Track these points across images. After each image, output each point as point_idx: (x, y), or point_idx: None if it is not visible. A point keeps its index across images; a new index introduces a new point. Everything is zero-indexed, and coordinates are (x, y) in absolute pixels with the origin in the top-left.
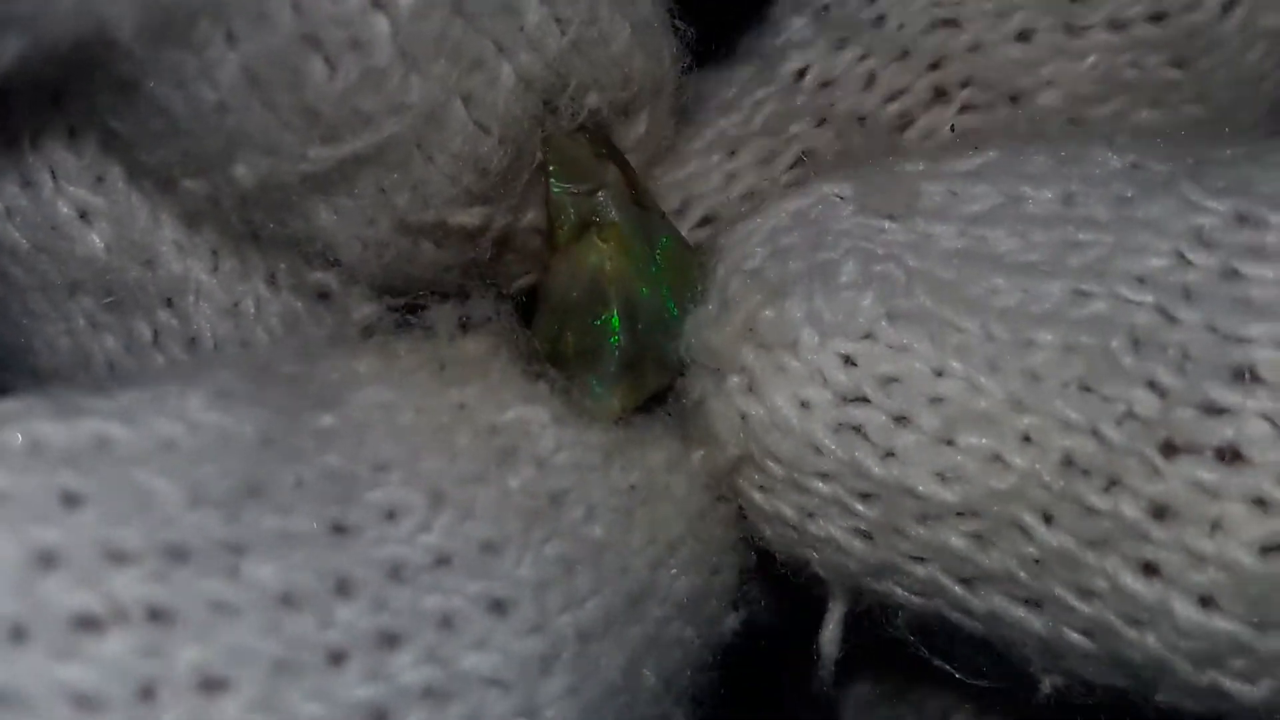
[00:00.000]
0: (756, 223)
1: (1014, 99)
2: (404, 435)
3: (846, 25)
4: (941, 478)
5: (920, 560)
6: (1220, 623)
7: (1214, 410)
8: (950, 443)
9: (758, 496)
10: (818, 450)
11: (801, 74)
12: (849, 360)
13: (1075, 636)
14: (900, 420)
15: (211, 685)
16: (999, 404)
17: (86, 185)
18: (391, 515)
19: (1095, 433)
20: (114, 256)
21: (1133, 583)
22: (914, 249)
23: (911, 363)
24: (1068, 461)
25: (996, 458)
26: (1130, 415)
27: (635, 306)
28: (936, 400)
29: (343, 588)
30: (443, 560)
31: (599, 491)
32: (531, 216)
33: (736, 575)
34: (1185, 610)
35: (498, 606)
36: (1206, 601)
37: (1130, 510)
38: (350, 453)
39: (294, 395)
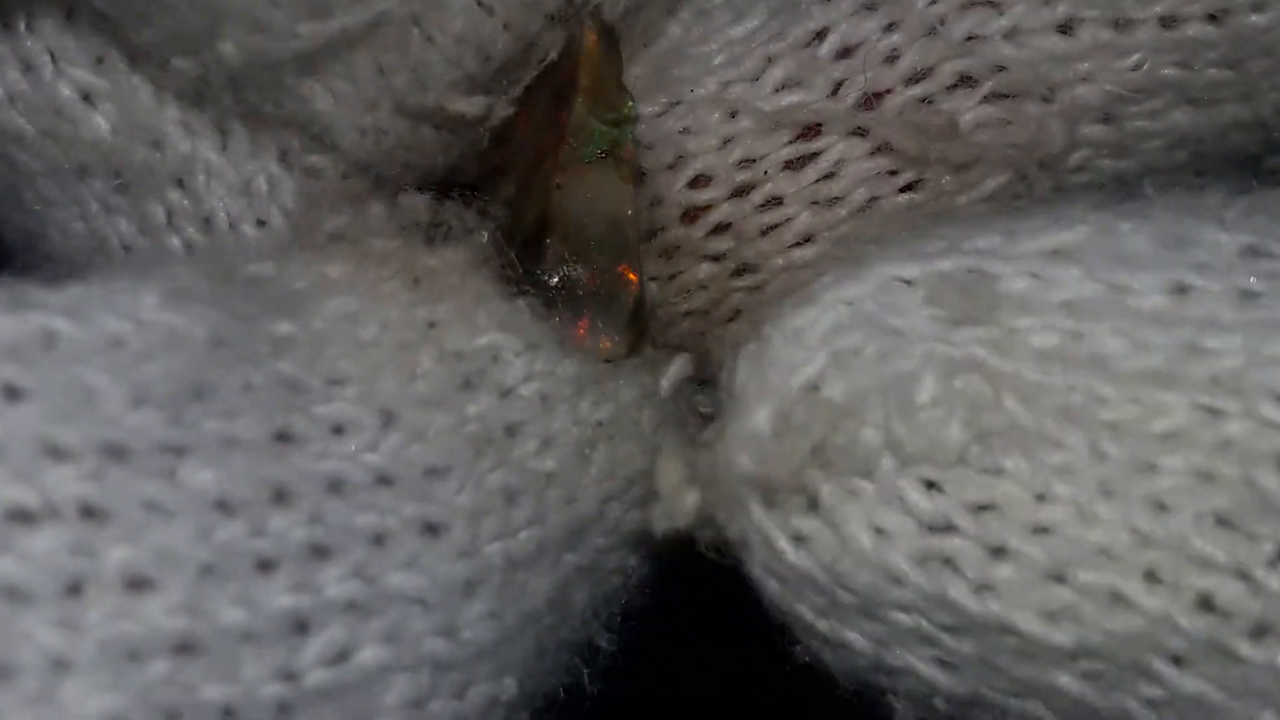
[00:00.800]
0: (809, 316)
1: (1045, 94)
2: (365, 351)
3: None
4: (1051, 617)
5: (1019, 697)
6: None
7: None
8: (1060, 579)
9: (815, 619)
10: (897, 581)
11: (820, 35)
12: (933, 485)
13: None
14: (997, 552)
15: (138, 584)
16: (1118, 536)
17: (87, 67)
18: (339, 431)
19: (1241, 574)
20: (120, 138)
21: None
22: (998, 348)
23: (1007, 487)
24: (1206, 605)
25: (1118, 598)
26: None
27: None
28: (1040, 530)
29: (279, 497)
30: (384, 480)
31: (561, 423)
32: (537, 117)
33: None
34: None
35: (430, 530)
36: None
37: None
38: (305, 363)
39: (254, 298)
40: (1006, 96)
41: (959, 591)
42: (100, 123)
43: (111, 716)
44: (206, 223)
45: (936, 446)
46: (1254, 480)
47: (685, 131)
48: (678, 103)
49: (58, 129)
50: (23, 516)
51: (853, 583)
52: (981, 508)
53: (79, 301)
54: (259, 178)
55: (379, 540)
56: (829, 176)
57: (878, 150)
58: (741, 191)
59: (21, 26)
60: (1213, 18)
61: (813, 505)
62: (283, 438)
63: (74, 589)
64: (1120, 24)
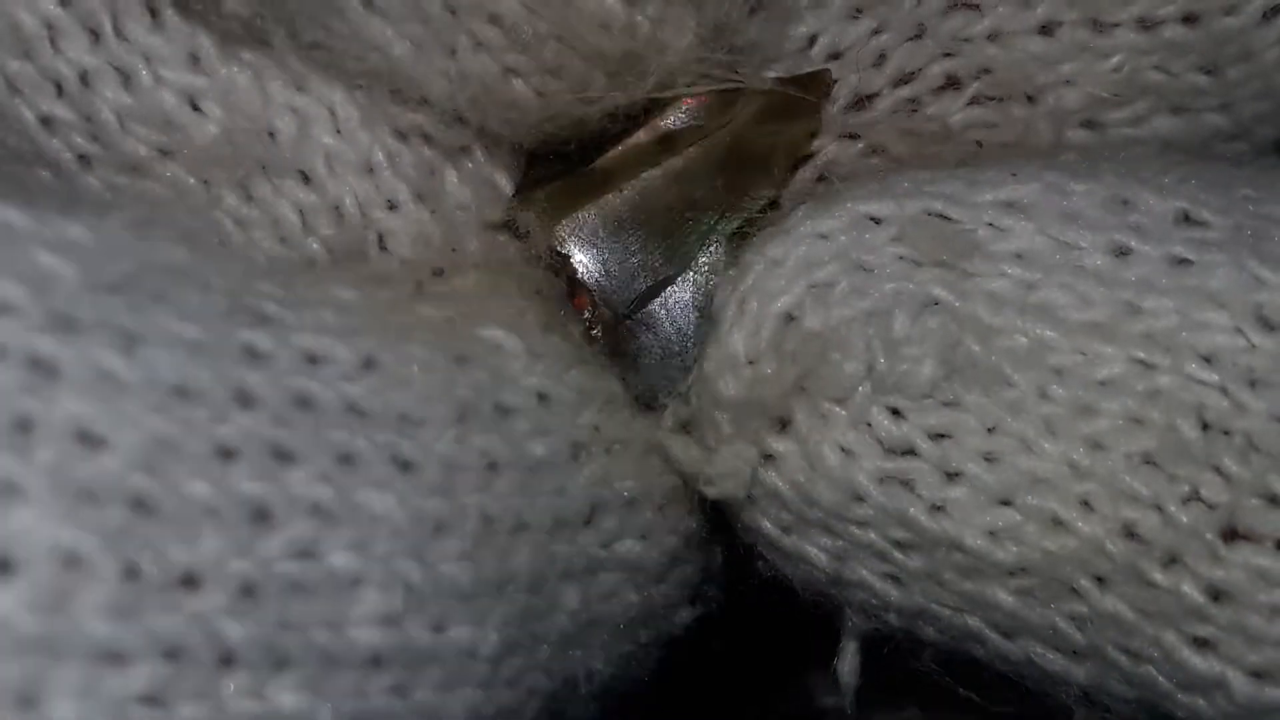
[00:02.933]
0: (784, 248)
1: (1030, 96)
2: (350, 310)
3: None
4: (994, 536)
5: (960, 611)
6: (1273, 692)
7: (1277, 502)
8: (1007, 502)
9: (779, 535)
10: (859, 498)
11: (811, 41)
12: (896, 412)
13: (1120, 687)
14: (952, 475)
15: (90, 440)
16: (1059, 468)
17: (183, 66)
18: (313, 360)
19: (1159, 509)
20: (231, 136)
21: (1188, 656)
22: (957, 290)
23: (964, 418)
24: (1129, 533)
25: (1057, 521)
26: (1195, 497)
27: None
28: (991, 458)
29: (242, 398)
30: (355, 410)
31: (556, 419)
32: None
33: (698, 571)
34: (1240, 684)
35: (402, 464)
36: (1261, 675)
37: (1190, 589)
38: (287, 305)
39: (239, 262)
40: (993, 99)
41: (915, 509)
42: (209, 127)
43: (67, 550)
44: (338, 214)
45: (911, 379)
46: (1177, 428)
47: None
48: None
49: (172, 140)
50: None
51: (819, 499)
52: (940, 435)
53: (41, 210)
54: (376, 152)
55: (348, 459)
56: (821, 180)
57: (871, 153)
58: None
59: (108, 28)
60: (1188, 20)
61: (784, 427)
62: (250, 352)
63: (23, 425)
64: (1099, 25)
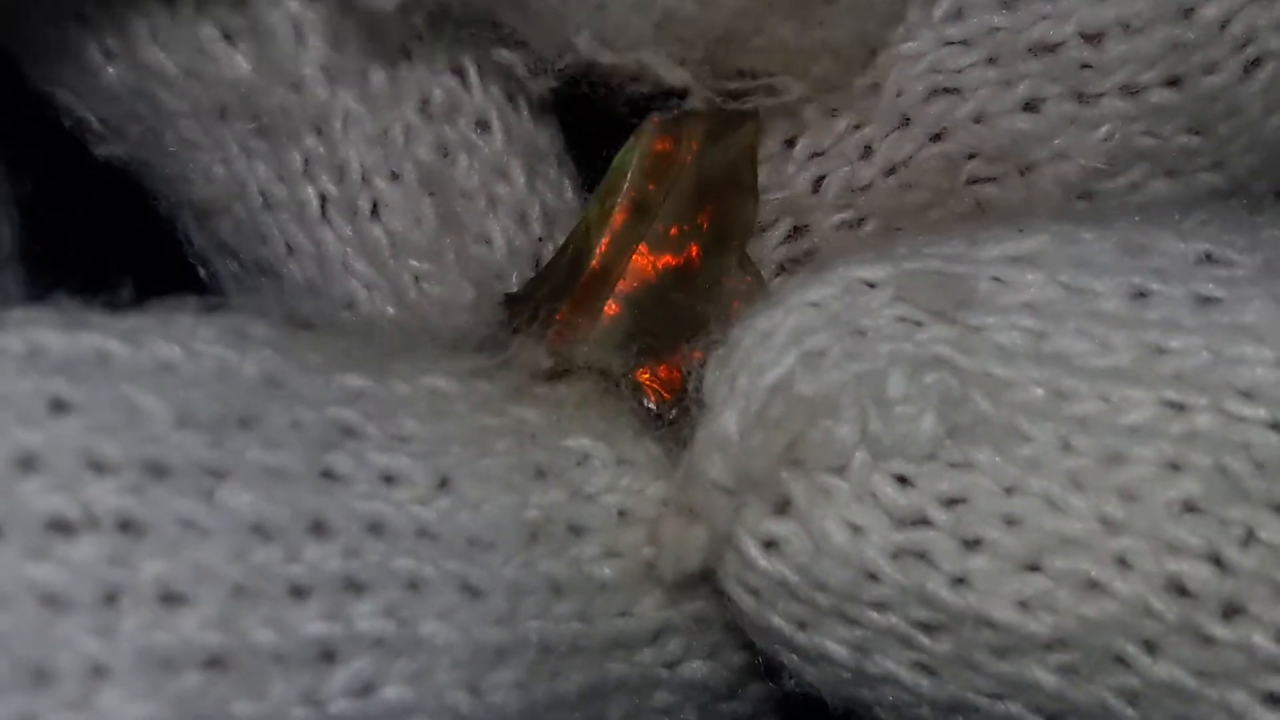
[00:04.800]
0: (775, 318)
1: (1024, 172)
2: (439, 420)
3: (836, 93)
4: (1026, 606)
5: (999, 697)
6: None
7: None
8: (1035, 568)
9: (793, 631)
10: (873, 577)
11: (790, 143)
12: (904, 480)
13: None
14: (971, 544)
15: (172, 599)
16: (1089, 525)
17: (228, 3)
18: (389, 480)
19: (1212, 558)
20: (260, 79)
21: (1263, 715)
22: (962, 346)
23: (977, 479)
24: (1177, 588)
25: (1091, 584)
26: (1253, 539)
27: None
28: (1012, 521)
29: (317, 529)
30: (427, 534)
31: (631, 540)
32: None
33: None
34: None
35: (469, 590)
36: None
37: (1261, 639)
38: (369, 413)
39: (335, 358)
40: (989, 180)
41: (935, 584)
42: (240, 61)
43: None
44: (341, 171)
45: (910, 441)
46: (1226, 468)
47: None
48: None
49: (199, 67)
50: (62, 526)
51: (829, 582)
52: (953, 500)
53: (135, 327)
54: (395, 126)
55: (415, 585)
56: (812, 253)
57: (861, 222)
58: None
59: None
60: (1171, 83)
61: (782, 508)
62: (327, 474)
63: (111, 598)
64: (1083, 97)
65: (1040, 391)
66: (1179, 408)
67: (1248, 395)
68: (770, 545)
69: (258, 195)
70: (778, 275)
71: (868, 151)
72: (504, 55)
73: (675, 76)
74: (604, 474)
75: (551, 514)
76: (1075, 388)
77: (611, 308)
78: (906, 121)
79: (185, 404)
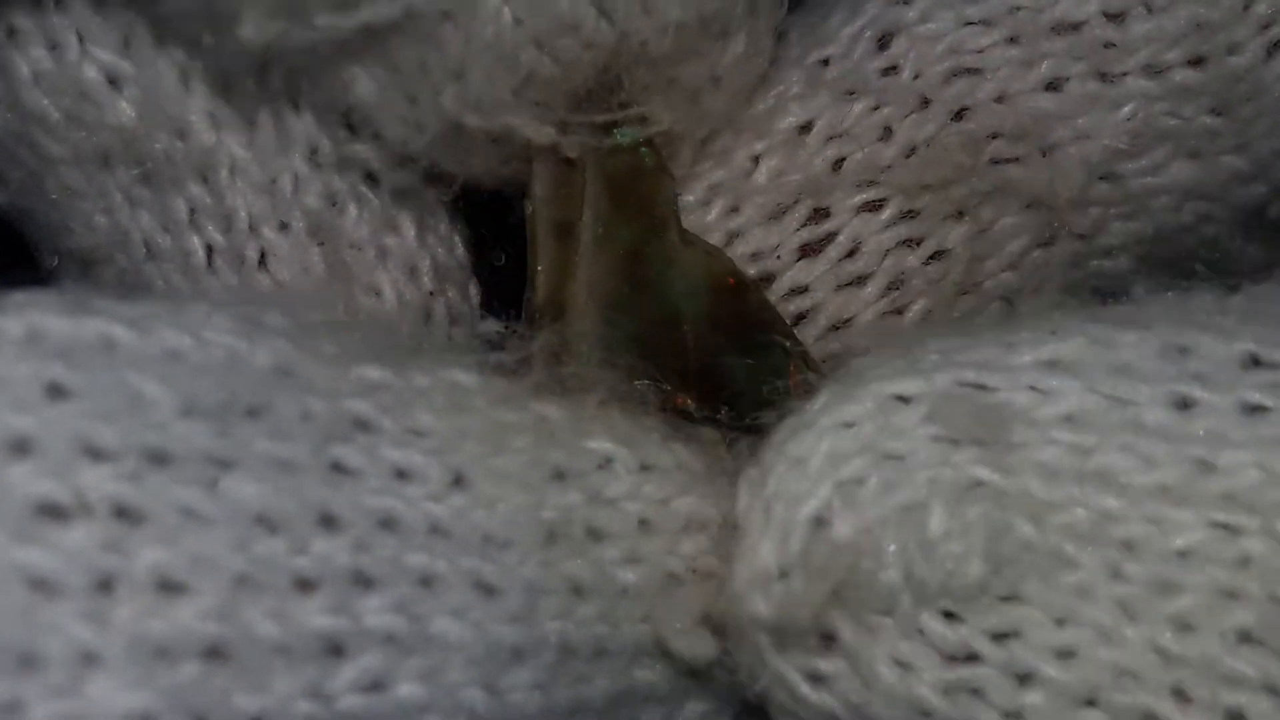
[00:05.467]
0: (807, 444)
1: (1046, 152)
2: (456, 414)
3: (852, 77)
4: None
5: None
6: None
7: None
8: (1091, 703)
9: None
10: (925, 714)
11: (806, 128)
12: (950, 614)
13: None
14: (1024, 678)
15: (170, 587)
16: (1144, 657)
17: (113, 48)
18: (402, 475)
19: (1270, 689)
20: (143, 125)
21: None
22: (1002, 467)
23: (1026, 612)
24: None
25: (1151, 718)
26: None
27: None
28: (1065, 654)
29: (326, 522)
30: (439, 530)
31: (655, 548)
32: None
33: None
34: None
35: (484, 588)
36: None
37: None
38: (385, 406)
39: (348, 346)
40: (1012, 160)
41: (988, 718)
42: (124, 107)
43: (140, 714)
44: (228, 221)
45: (957, 581)
46: (1279, 598)
47: None
48: None
49: (81, 112)
50: (54, 511)
51: (880, 718)
52: (1003, 635)
53: (144, 314)
54: (284, 176)
55: (427, 582)
56: (851, 255)
57: (899, 218)
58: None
59: (50, 2)
60: (1194, 63)
61: (828, 643)
62: (338, 468)
63: (104, 585)
64: (1106, 77)
65: (1084, 513)
66: (1230, 530)
67: None
68: (817, 679)
69: (141, 245)
70: (799, 260)
71: (887, 133)
72: (356, 150)
73: (542, 135)
74: (626, 479)
75: (569, 516)
76: (1121, 509)
77: (584, 322)
78: (926, 103)
79: (191, 392)
